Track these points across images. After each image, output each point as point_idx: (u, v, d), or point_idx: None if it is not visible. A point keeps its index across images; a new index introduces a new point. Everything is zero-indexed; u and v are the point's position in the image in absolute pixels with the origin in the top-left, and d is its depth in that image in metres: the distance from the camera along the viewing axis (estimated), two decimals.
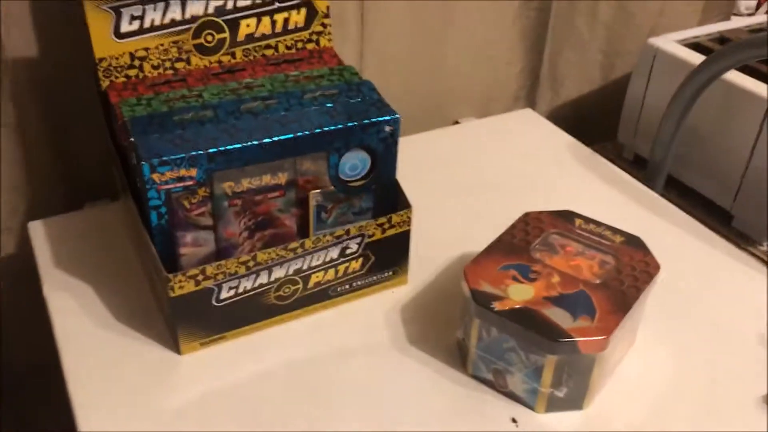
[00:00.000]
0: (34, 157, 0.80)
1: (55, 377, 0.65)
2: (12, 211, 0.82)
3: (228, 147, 0.58)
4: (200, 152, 0.57)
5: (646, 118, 0.98)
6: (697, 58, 0.88)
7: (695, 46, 0.95)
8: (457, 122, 1.03)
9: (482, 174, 0.88)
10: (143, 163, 0.55)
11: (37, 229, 0.76)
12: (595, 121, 1.13)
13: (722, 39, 0.97)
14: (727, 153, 0.88)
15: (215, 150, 0.57)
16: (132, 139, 0.58)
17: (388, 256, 0.68)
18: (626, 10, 1.05)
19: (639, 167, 1.02)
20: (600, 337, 0.54)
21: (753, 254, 0.86)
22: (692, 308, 0.69)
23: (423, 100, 1.00)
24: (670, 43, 0.93)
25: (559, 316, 0.56)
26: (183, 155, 0.56)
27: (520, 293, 0.58)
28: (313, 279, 0.65)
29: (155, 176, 0.56)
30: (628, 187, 0.86)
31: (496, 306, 0.56)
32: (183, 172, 0.57)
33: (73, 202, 0.83)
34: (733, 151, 0.87)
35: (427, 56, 0.96)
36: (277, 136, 0.59)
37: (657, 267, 0.61)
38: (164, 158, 0.56)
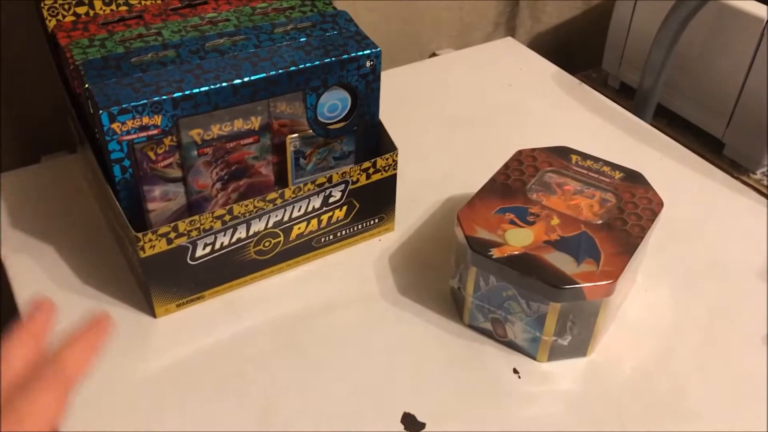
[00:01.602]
0: None
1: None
2: None
3: (194, 90, 0.52)
4: (164, 97, 0.51)
5: (633, 45, 0.93)
6: None
7: None
8: (434, 54, 0.97)
9: (464, 109, 0.83)
10: (101, 112, 0.49)
11: None
12: (577, 49, 1.08)
13: None
14: (719, 78, 0.84)
15: (180, 94, 0.52)
16: (87, 86, 0.52)
17: (374, 203, 0.64)
18: None
19: (626, 95, 0.98)
20: (606, 282, 0.51)
21: (746, 183, 0.83)
22: (690, 243, 0.66)
23: (398, 32, 0.94)
24: None
25: (561, 260, 0.52)
26: (145, 101, 0.51)
27: (518, 238, 0.54)
28: (295, 231, 0.60)
29: (115, 126, 0.50)
30: (617, 117, 0.82)
31: (495, 253, 0.53)
32: (146, 120, 0.51)
33: (27, 156, 0.77)
34: (725, 76, 0.83)
35: None
36: (248, 76, 0.54)
37: (660, 203, 0.58)
38: (124, 105, 0.50)
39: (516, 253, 0.53)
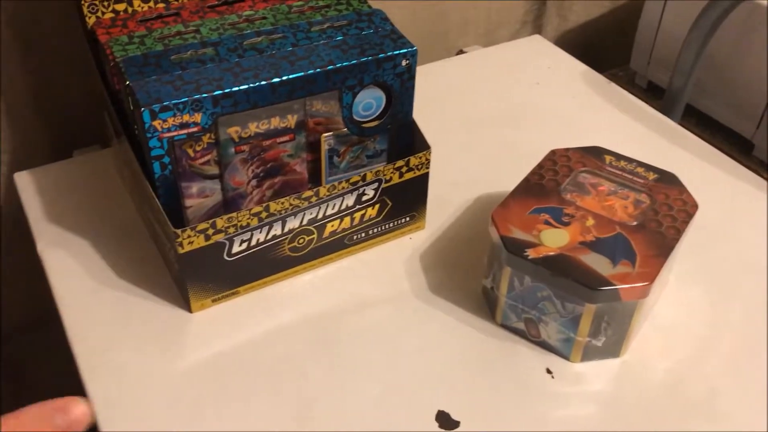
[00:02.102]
0: (14, 102, 0.74)
1: (52, 331, 0.61)
2: None
3: (234, 88, 0.52)
4: (204, 95, 0.52)
5: (662, 45, 0.93)
6: None
7: None
8: (462, 51, 0.97)
9: (494, 107, 0.83)
10: (143, 109, 0.50)
11: (24, 181, 0.71)
12: (604, 47, 1.08)
13: None
14: (749, 79, 0.84)
15: (220, 92, 0.52)
16: (128, 83, 0.52)
17: (406, 201, 0.64)
18: None
19: (654, 95, 0.97)
20: (642, 284, 0.51)
21: None
22: (722, 243, 0.66)
23: (425, 29, 0.94)
24: None
25: (597, 262, 0.52)
26: (186, 99, 0.51)
27: (554, 239, 0.54)
28: (329, 228, 0.61)
29: (156, 123, 0.51)
30: (647, 117, 0.82)
31: (530, 253, 0.53)
32: (186, 117, 0.52)
33: (59, 151, 0.77)
34: (756, 76, 0.83)
35: None
36: (287, 75, 0.54)
37: (695, 205, 0.58)
38: (165, 103, 0.51)
39: (552, 254, 0.53)
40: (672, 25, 0.90)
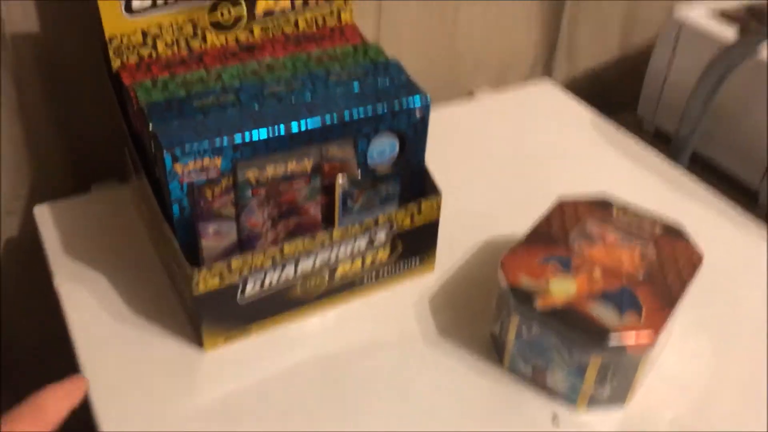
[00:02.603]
0: (37, 137, 0.76)
1: (58, 361, 0.62)
2: (14, 193, 0.78)
3: (254, 135, 0.54)
4: (225, 141, 0.53)
5: (669, 92, 0.95)
6: (725, 33, 0.84)
7: (722, 16, 0.91)
8: (472, 93, 0.99)
9: (502, 151, 0.85)
10: (165, 153, 0.52)
11: (43, 214, 0.73)
12: (612, 91, 1.10)
13: (751, 9, 0.93)
14: (755, 129, 0.85)
15: (240, 138, 0.54)
16: (151, 127, 0.54)
17: (416, 244, 0.65)
18: None
19: (660, 141, 0.99)
20: (648, 336, 0.52)
21: None
22: (727, 293, 0.67)
23: (438, 70, 0.96)
24: (696, 14, 0.89)
25: (604, 313, 0.53)
26: (207, 144, 0.53)
27: (562, 288, 0.55)
28: (340, 270, 0.62)
29: (177, 167, 0.53)
30: (654, 164, 0.84)
31: (539, 303, 0.54)
32: (207, 161, 0.54)
33: (78, 184, 0.79)
34: (762, 127, 0.84)
35: (443, 25, 0.92)
36: (305, 123, 0.56)
37: (700, 258, 0.59)
38: (187, 148, 0.52)
39: (559, 304, 0.54)
40: (680, 73, 0.92)
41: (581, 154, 0.85)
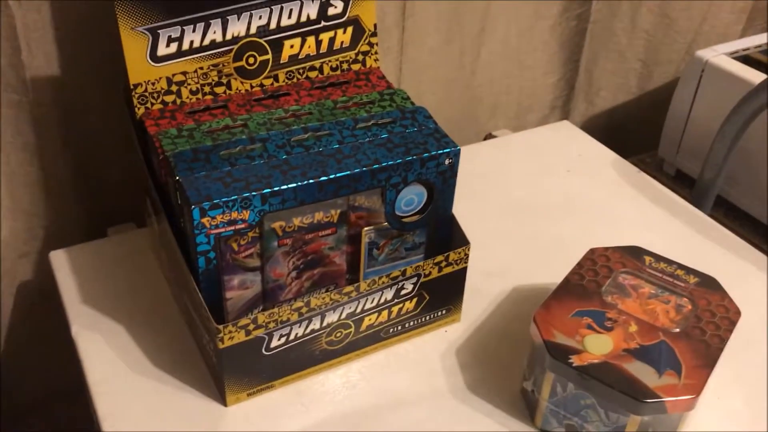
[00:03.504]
0: (53, 180, 0.75)
1: (61, 411, 0.60)
2: (29, 236, 0.77)
3: (282, 187, 0.53)
4: (254, 193, 0.52)
5: (691, 134, 0.94)
6: (750, 75, 0.84)
7: (745, 59, 0.90)
8: (490, 134, 0.98)
9: (524, 195, 0.84)
10: (193, 207, 0.50)
11: (59, 260, 0.71)
12: (630, 132, 1.09)
13: None
14: None
15: (269, 190, 0.53)
16: (178, 178, 0.53)
17: (443, 295, 0.64)
18: (668, 16, 1.00)
19: (682, 183, 0.98)
20: (689, 396, 0.50)
21: None
22: (762, 347, 0.66)
23: (457, 112, 0.95)
24: (719, 56, 0.89)
25: (642, 371, 0.52)
26: (235, 197, 0.52)
27: (598, 345, 0.54)
28: (366, 322, 0.60)
29: (205, 221, 0.51)
30: (677, 208, 0.82)
31: (575, 360, 0.52)
32: (235, 214, 0.52)
33: (94, 227, 0.78)
34: None
35: (462, 67, 0.92)
36: (333, 174, 0.55)
37: (737, 312, 0.57)
38: (215, 201, 0.51)
39: (596, 361, 0.52)
40: (702, 115, 0.92)
41: (604, 198, 0.84)
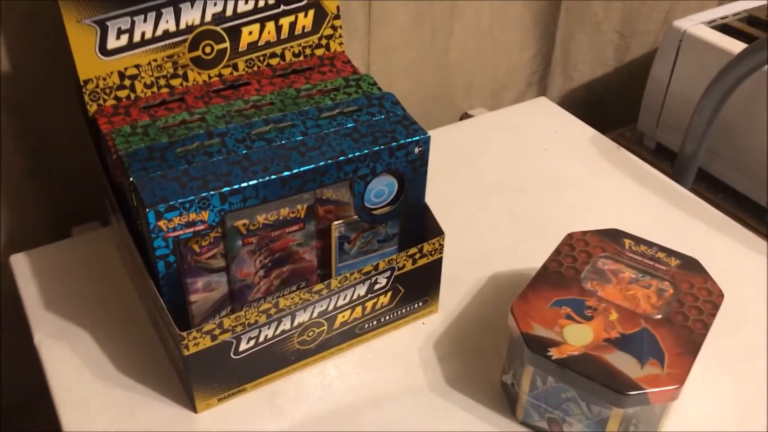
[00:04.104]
0: (11, 182, 0.72)
1: (46, 412, 0.58)
2: None
3: (242, 184, 0.50)
4: (212, 192, 0.49)
5: (671, 107, 0.92)
6: (729, 44, 0.81)
7: (723, 27, 0.88)
8: (466, 114, 0.96)
9: (501, 175, 0.81)
10: (148, 210, 0.48)
11: (20, 264, 0.68)
12: (609, 106, 1.07)
13: (750, 19, 0.91)
14: (761, 143, 0.83)
15: (228, 189, 0.50)
16: (132, 180, 0.50)
17: (419, 287, 0.62)
18: None
19: (662, 156, 0.96)
20: (673, 387, 0.49)
21: None
22: (745, 326, 0.64)
23: (431, 91, 0.93)
24: (697, 26, 0.86)
25: (624, 362, 0.50)
26: (192, 197, 0.49)
27: (577, 336, 0.52)
28: (339, 319, 0.58)
29: (162, 224, 0.49)
30: (658, 184, 0.80)
31: (554, 353, 0.50)
32: (193, 216, 0.50)
33: (57, 227, 0.75)
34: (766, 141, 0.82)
35: (434, 45, 0.89)
36: (297, 168, 0.52)
37: (720, 295, 0.56)
38: (171, 203, 0.48)
39: (576, 353, 0.50)
40: (681, 87, 0.89)
41: (583, 176, 0.81)
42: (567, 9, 0.96)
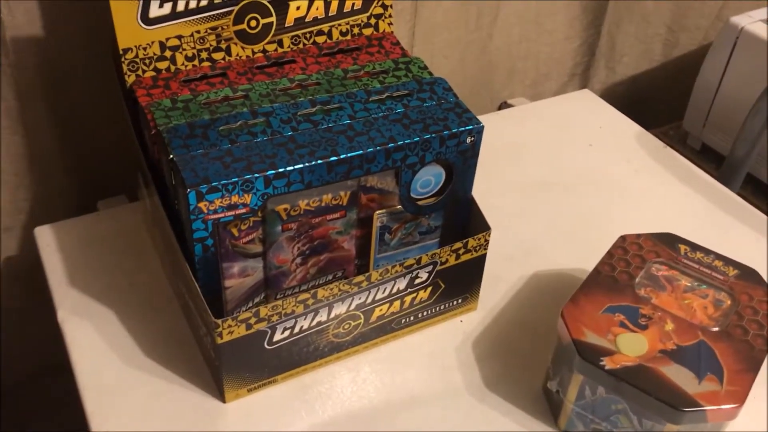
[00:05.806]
0: (39, 148, 0.69)
1: (56, 382, 0.56)
2: (14, 209, 0.71)
3: (288, 168, 0.48)
4: (256, 175, 0.47)
5: (721, 107, 0.88)
6: None
7: None
8: (506, 103, 0.93)
9: (543, 170, 0.78)
10: (189, 190, 0.45)
11: (45, 236, 0.66)
12: (652, 102, 1.03)
13: None
14: None
15: (273, 172, 0.47)
16: (172, 157, 0.47)
17: (460, 283, 0.59)
18: None
19: (707, 158, 0.92)
20: (732, 405, 0.46)
21: None
22: None
23: (471, 74, 0.89)
24: (756, 23, 0.83)
25: (681, 376, 0.47)
26: (236, 179, 0.46)
27: (632, 346, 0.49)
28: (376, 313, 0.56)
29: (202, 205, 0.46)
30: (705, 187, 0.77)
31: (607, 363, 0.48)
32: (235, 198, 0.47)
33: (83, 200, 0.73)
34: None
35: (479, 28, 0.86)
36: (345, 153, 0.49)
37: None
38: (214, 184, 0.46)
39: (630, 364, 0.48)
40: (734, 86, 0.86)
41: (629, 174, 0.78)
42: None
